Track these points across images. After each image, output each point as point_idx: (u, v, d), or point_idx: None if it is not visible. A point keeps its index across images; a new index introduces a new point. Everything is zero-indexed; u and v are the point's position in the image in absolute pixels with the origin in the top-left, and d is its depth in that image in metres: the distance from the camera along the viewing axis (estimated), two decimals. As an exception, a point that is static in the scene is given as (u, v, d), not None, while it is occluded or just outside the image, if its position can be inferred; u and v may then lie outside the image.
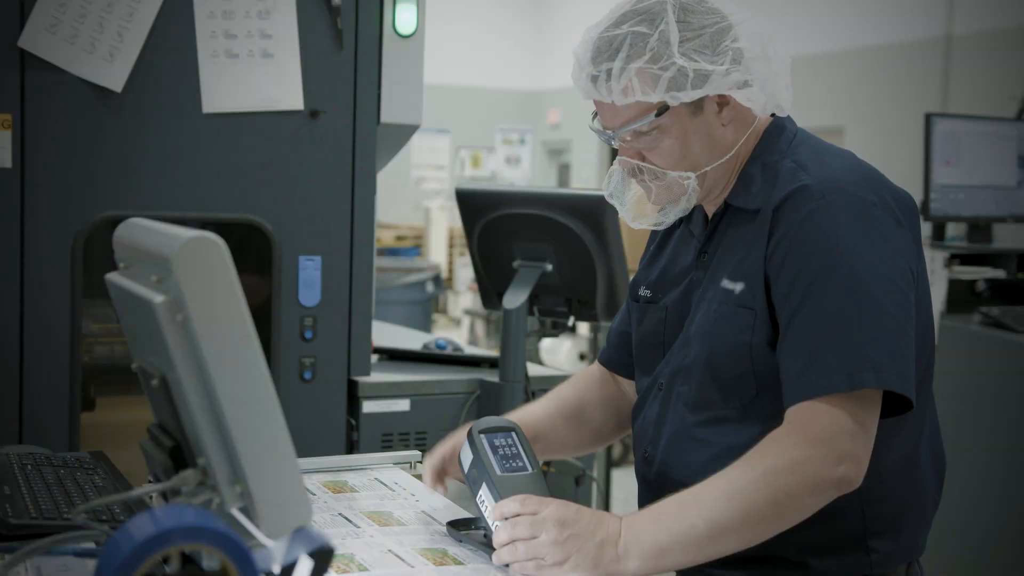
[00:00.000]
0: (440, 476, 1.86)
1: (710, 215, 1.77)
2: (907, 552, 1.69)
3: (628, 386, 1.95)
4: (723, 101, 1.66)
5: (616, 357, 1.96)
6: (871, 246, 1.57)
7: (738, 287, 1.65)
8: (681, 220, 1.82)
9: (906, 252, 1.61)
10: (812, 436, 1.52)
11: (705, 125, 1.66)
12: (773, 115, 1.75)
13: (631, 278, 1.95)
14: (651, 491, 1.77)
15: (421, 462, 2.06)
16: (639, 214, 1.79)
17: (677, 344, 1.75)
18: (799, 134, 1.73)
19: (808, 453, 1.50)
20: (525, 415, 1.90)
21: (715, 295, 1.68)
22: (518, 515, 1.53)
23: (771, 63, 1.66)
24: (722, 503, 1.50)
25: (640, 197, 1.77)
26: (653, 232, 1.90)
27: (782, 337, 1.59)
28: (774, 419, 1.59)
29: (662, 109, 1.63)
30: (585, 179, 15.93)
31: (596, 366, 2.02)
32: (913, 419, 1.66)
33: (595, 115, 1.73)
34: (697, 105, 1.64)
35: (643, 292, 1.85)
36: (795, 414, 1.55)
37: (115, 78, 2.84)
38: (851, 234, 1.57)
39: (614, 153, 1.76)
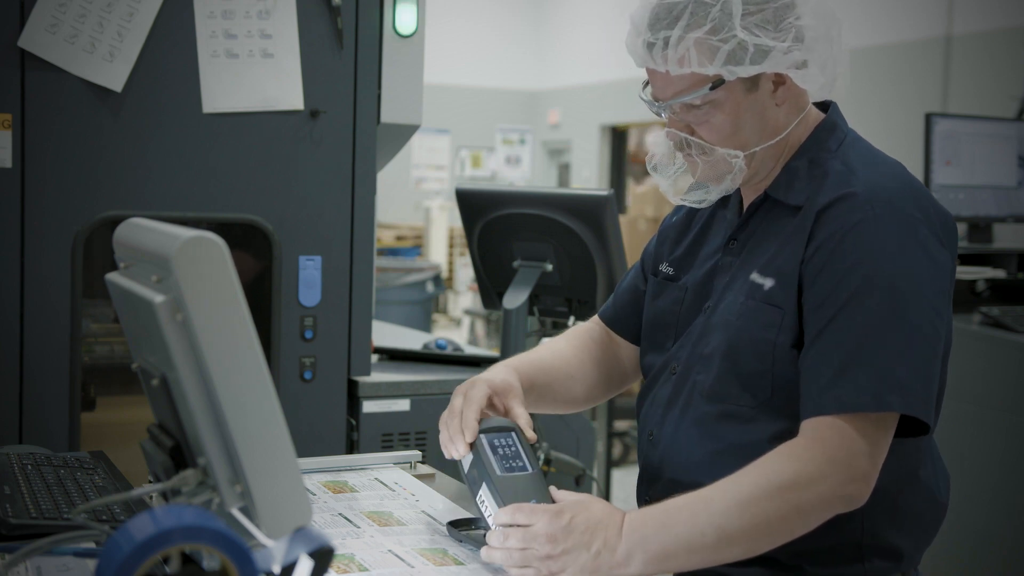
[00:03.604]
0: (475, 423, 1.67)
1: (747, 202, 1.74)
2: (905, 564, 1.68)
3: (626, 351, 1.92)
4: (779, 80, 1.62)
5: (621, 316, 1.93)
6: (915, 264, 1.54)
7: (768, 283, 1.62)
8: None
9: (945, 271, 1.58)
10: (830, 454, 1.50)
11: (759, 103, 1.63)
12: (826, 111, 1.72)
13: (644, 246, 1.90)
14: (650, 474, 1.75)
15: (422, 462, 2.06)
16: (681, 190, 1.76)
17: (697, 330, 1.72)
18: (850, 135, 1.70)
19: (824, 471, 1.49)
20: (521, 363, 1.84)
21: (743, 286, 1.65)
22: (511, 526, 1.52)
23: (833, 45, 1.62)
24: (734, 513, 1.48)
25: (683, 173, 1.73)
26: (678, 207, 1.87)
27: (810, 345, 1.56)
28: (785, 423, 1.58)
29: (717, 83, 1.59)
30: (585, 179, 15.93)
31: (594, 324, 1.97)
32: (920, 438, 1.65)
33: (646, 84, 1.69)
34: (753, 82, 1.61)
35: (664, 268, 1.82)
36: (814, 428, 1.52)
37: (115, 78, 2.84)
38: (896, 250, 1.54)
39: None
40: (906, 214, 1.56)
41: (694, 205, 1.76)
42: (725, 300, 1.68)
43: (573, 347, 1.93)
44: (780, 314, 1.60)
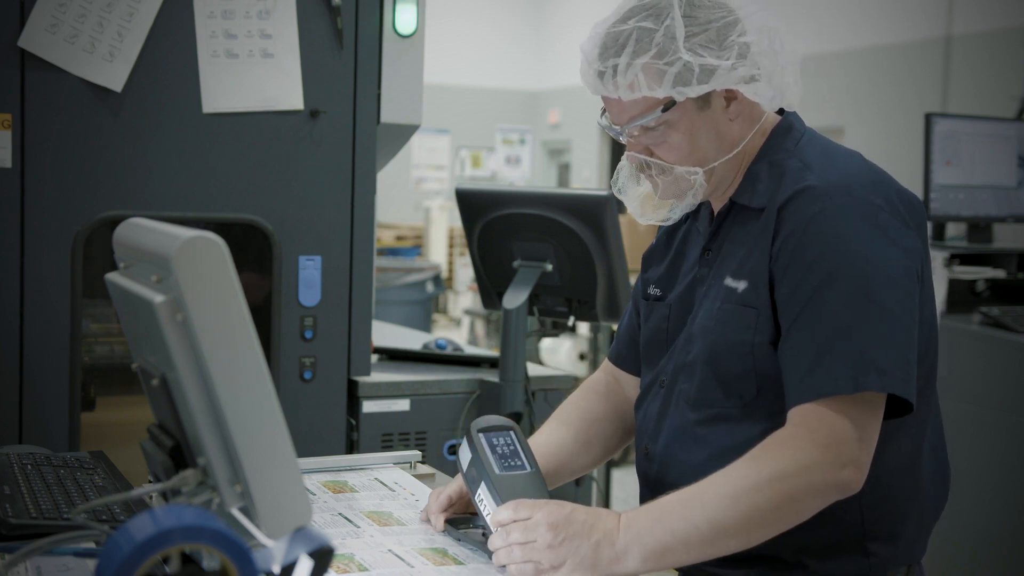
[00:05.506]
0: (444, 514, 1.72)
1: (716, 212, 1.76)
2: (907, 555, 1.69)
3: (633, 387, 1.94)
4: (731, 96, 1.65)
5: (623, 353, 1.95)
6: (877, 249, 1.56)
7: (741, 285, 1.64)
8: (688, 217, 1.82)
9: (912, 253, 1.60)
10: (819, 440, 1.51)
11: (712, 120, 1.66)
12: (782, 114, 1.75)
13: (637, 276, 1.94)
14: (650, 486, 1.77)
15: (421, 462, 2.06)
16: (646, 210, 1.79)
17: (680, 341, 1.75)
18: (807, 133, 1.73)
19: (814, 458, 1.50)
20: (537, 447, 1.82)
21: (718, 293, 1.68)
22: (513, 522, 1.52)
23: (778, 57, 1.65)
24: (727, 505, 1.49)
25: (648, 193, 1.77)
26: (660, 228, 1.90)
27: (785, 338, 1.59)
28: (774, 420, 1.59)
29: (668, 104, 1.62)
30: (585, 179, 15.93)
31: (600, 374, 2.00)
32: (915, 423, 1.65)
33: (603, 111, 1.72)
34: (704, 100, 1.64)
35: (652, 291, 1.84)
36: (799, 416, 1.54)
37: (115, 78, 2.84)
38: (857, 237, 1.56)
39: (615, 153, 1.76)
40: (864, 201, 1.59)
41: (660, 223, 1.80)
42: (703, 308, 1.71)
43: (583, 410, 1.93)
44: (755, 315, 1.62)
